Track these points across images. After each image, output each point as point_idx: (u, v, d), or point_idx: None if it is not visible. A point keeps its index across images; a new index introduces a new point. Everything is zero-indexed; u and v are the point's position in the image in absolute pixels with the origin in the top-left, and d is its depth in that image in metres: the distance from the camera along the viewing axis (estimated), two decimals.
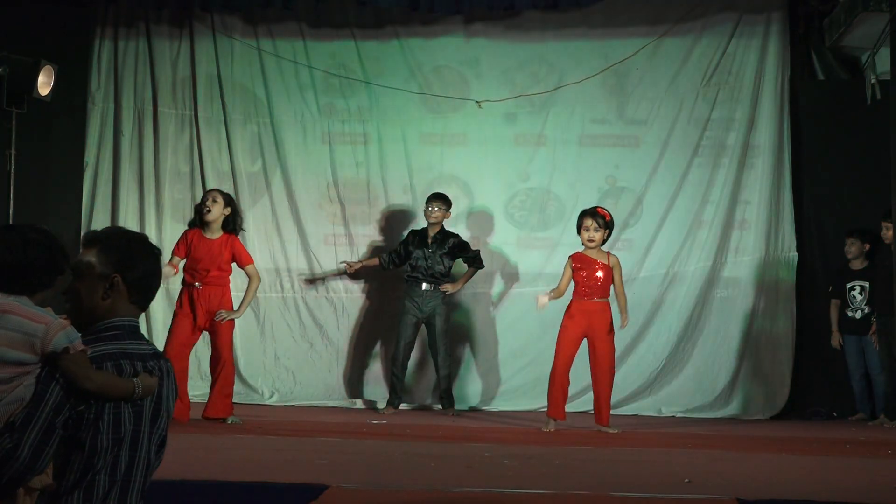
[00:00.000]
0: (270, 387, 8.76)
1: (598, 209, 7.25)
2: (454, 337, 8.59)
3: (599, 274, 7.07)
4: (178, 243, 7.30)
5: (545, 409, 8.46)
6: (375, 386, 8.71)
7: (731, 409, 8.37)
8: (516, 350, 8.68)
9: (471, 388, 8.67)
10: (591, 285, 7.07)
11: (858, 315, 8.07)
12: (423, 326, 8.22)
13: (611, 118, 8.82)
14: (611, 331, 7.09)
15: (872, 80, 7.89)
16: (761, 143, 8.58)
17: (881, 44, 7.64)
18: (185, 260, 7.24)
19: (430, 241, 8.19)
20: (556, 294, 7.26)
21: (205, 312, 7.16)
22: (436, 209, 8.16)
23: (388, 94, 8.92)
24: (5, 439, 2.99)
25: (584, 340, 7.13)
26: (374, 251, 8.78)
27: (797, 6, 8.63)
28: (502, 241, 8.81)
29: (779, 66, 8.58)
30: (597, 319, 7.04)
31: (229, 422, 7.09)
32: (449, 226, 8.53)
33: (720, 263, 8.58)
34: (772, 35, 8.61)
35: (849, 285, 8.14)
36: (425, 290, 8.12)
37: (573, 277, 7.16)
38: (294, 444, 6.23)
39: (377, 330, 8.83)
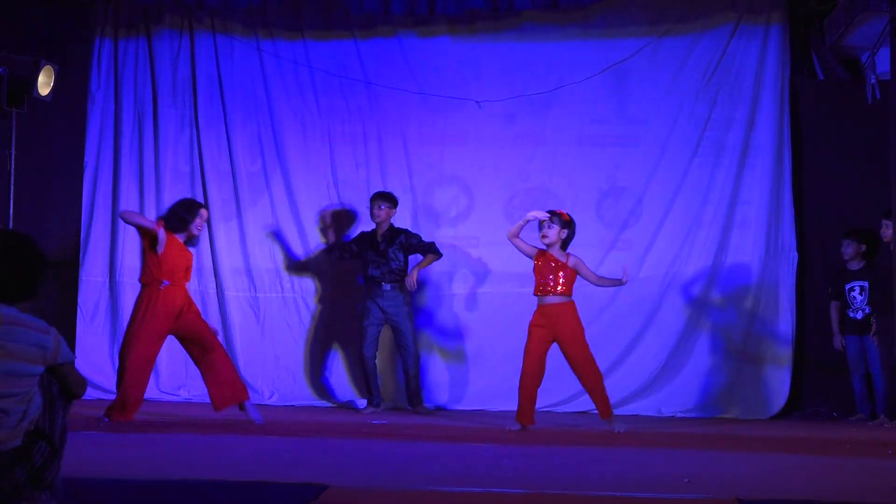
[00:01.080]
0: (270, 387, 8.76)
1: (559, 211, 7.26)
2: (454, 337, 8.60)
3: (554, 274, 7.09)
4: (157, 227, 7.18)
5: (546, 409, 8.49)
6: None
7: (731, 410, 8.36)
8: (516, 349, 8.66)
9: (470, 389, 8.67)
10: (546, 283, 7.09)
11: (860, 316, 8.07)
12: (388, 328, 8.23)
13: (611, 118, 8.81)
14: (578, 329, 7.10)
15: (872, 80, 7.88)
16: (761, 143, 8.58)
17: (881, 44, 7.63)
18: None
19: (379, 240, 8.17)
20: (516, 226, 7.23)
21: (169, 314, 7.10)
22: (377, 209, 8.16)
23: (388, 94, 8.93)
24: (43, 446, 3.04)
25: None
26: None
27: (797, 6, 8.63)
28: (503, 241, 8.79)
29: (779, 66, 8.58)
30: (561, 322, 7.06)
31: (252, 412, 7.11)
32: (450, 225, 8.54)
33: (720, 263, 8.57)
34: (772, 35, 8.60)
35: (848, 286, 8.14)
36: (386, 291, 8.12)
37: (533, 271, 7.17)
38: (294, 444, 6.23)
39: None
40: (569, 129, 8.82)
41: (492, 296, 8.79)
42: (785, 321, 8.43)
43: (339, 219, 8.95)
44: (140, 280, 7.30)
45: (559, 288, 7.08)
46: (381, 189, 8.91)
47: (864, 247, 8.10)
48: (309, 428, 7.05)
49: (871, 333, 7.93)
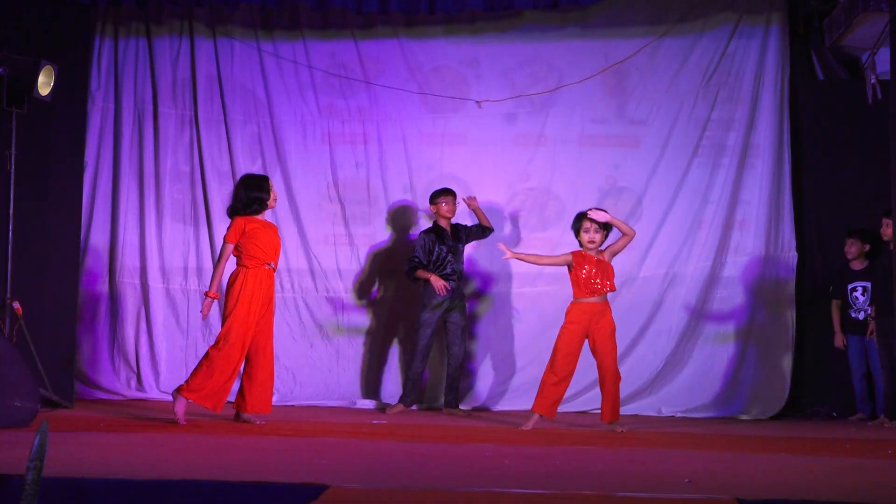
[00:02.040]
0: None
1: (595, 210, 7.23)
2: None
3: (602, 274, 7.07)
4: (231, 231, 7.11)
5: None
6: (376, 386, 8.71)
7: (731, 409, 8.37)
8: (516, 350, 8.69)
9: (470, 388, 8.67)
10: (591, 283, 7.06)
11: (861, 316, 8.07)
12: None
13: (611, 118, 8.82)
14: (612, 332, 7.09)
15: (872, 80, 7.89)
16: (761, 143, 8.58)
17: (881, 44, 7.64)
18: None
19: (450, 237, 8.19)
20: (533, 259, 7.33)
21: (267, 298, 7.11)
22: (454, 203, 8.18)
23: (388, 94, 8.93)
24: None
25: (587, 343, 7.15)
26: (376, 258, 8.80)
27: (797, 6, 8.63)
28: (502, 241, 8.80)
29: (779, 66, 8.58)
30: (596, 319, 7.04)
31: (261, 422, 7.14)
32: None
33: (720, 263, 8.58)
34: (772, 35, 8.61)
35: (850, 286, 8.14)
36: (453, 288, 8.12)
37: (573, 276, 7.13)
38: (294, 444, 6.23)
39: (377, 330, 8.83)
40: (569, 129, 8.83)
41: (491, 296, 8.79)
42: (785, 321, 8.44)
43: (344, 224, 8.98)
44: (242, 263, 7.11)
45: (607, 287, 7.06)
46: (381, 189, 8.93)
47: (867, 246, 8.10)
48: (309, 428, 7.04)
49: (868, 333, 7.94)
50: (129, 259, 8.97)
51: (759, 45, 8.62)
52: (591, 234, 7.09)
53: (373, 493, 4.33)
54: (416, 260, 8.17)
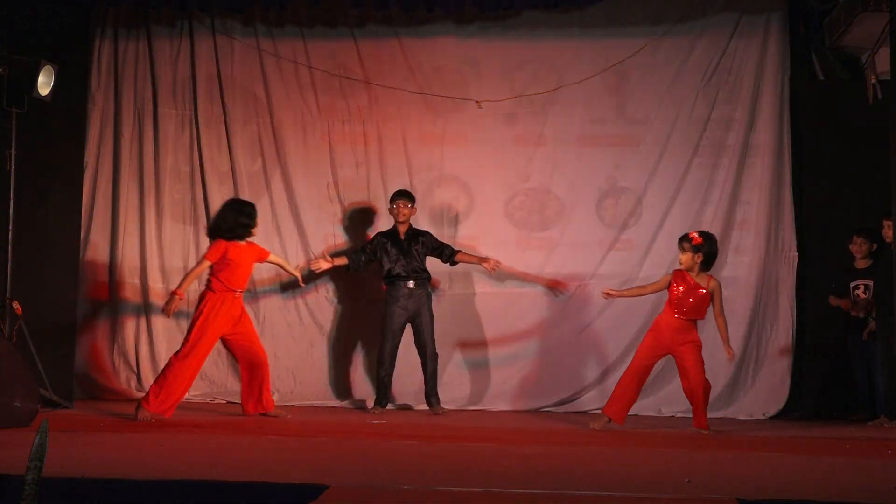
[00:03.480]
0: (270, 387, 8.75)
1: (690, 233, 7.27)
2: (453, 337, 8.60)
3: (690, 297, 7.11)
4: (213, 251, 7.42)
5: (547, 409, 8.48)
6: (376, 385, 8.69)
7: (731, 409, 8.37)
8: (514, 350, 8.67)
9: (468, 389, 8.66)
10: (684, 302, 7.11)
11: (863, 314, 8.06)
12: (409, 326, 8.22)
13: (611, 118, 8.81)
14: (696, 347, 7.11)
15: (872, 80, 7.89)
16: (761, 143, 8.58)
17: (881, 44, 7.64)
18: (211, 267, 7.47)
19: (403, 238, 8.18)
20: (636, 292, 7.55)
21: (232, 319, 7.41)
22: (404, 207, 8.17)
23: (388, 94, 8.92)
24: None
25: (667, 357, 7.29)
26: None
27: (797, 6, 8.63)
28: (502, 241, 8.80)
29: (779, 66, 8.58)
30: (680, 336, 7.10)
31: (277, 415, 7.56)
32: (450, 225, 8.53)
33: (720, 263, 8.54)
34: (772, 35, 8.61)
35: (853, 284, 8.13)
36: (412, 289, 8.12)
37: (670, 290, 7.18)
38: (294, 444, 6.23)
39: (377, 329, 8.81)
40: (569, 129, 8.82)
41: (491, 296, 8.78)
42: (785, 321, 8.44)
43: (340, 221, 8.97)
44: (209, 287, 7.45)
45: (694, 310, 7.11)
46: (381, 189, 8.92)
47: (874, 245, 8.10)
48: (309, 428, 7.04)
49: (865, 333, 7.93)
50: (129, 259, 8.96)
51: (759, 45, 8.62)
52: (681, 255, 7.22)
53: (373, 493, 4.33)
54: (361, 249, 8.31)
